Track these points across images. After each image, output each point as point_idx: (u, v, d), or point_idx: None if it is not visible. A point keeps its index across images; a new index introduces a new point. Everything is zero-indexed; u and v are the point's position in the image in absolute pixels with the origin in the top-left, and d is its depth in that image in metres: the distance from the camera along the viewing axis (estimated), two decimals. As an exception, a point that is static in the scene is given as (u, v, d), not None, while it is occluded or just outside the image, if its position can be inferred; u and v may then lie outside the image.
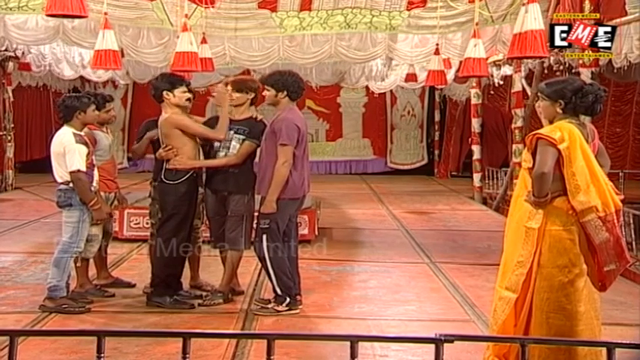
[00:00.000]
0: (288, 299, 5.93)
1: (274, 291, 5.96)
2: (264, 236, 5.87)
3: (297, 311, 5.97)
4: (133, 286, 6.69)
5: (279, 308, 5.92)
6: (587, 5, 8.22)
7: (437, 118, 20.64)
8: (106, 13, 7.32)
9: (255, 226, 6.17)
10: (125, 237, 8.89)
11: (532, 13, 5.90)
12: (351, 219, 11.57)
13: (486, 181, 15.09)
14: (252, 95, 6.23)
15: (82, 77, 16.08)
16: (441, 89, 18.62)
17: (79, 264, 6.22)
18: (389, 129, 20.90)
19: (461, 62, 11.99)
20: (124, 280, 6.82)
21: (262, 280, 7.03)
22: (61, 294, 5.85)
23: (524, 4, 6.00)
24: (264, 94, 6.09)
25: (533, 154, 4.22)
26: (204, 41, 9.00)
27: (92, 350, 4.63)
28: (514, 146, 12.58)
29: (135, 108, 20.32)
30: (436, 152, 20.60)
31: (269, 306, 5.97)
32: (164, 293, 6.06)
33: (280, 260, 5.92)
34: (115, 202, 6.75)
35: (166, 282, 6.10)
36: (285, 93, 5.95)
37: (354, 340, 2.57)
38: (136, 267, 7.67)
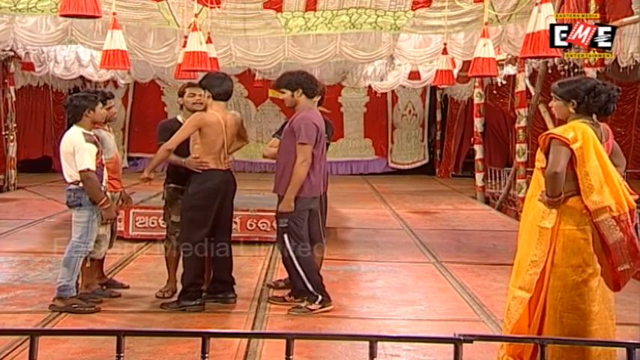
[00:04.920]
0: (320, 297, 5.91)
1: (306, 289, 5.89)
2: (285, 236, 5.86)
3: (331, 308, 5.95)
4: (127, 287, 6.64)
5: (313, 307, 5.89)
6: (592, 5, 8.22)
7: (438, 117, 20.61)
8: (114, 14, 7.33)
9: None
10: (131, 237, 8.88)
11: (545, 12, 5.91)
12: (355, 219, 11.57)
13: (489, 181, 15.11)
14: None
15: (82, 77, 16.05)
16: (443, 89, 18.59)
17: (88, 264, 6.20)
18: (390, 128, 20.84)
19: (464, 62, 12.04)
20: (117, 281, 6.78)
21: (270, 279, 7.05)
22: (71, 294, 5.84)
23: (537, 4, 6.00)
24: (281, 97, 6.09)
25: (547, 154, 4.23)
26: (209, 41, 9.01)
27: (104, 350, 4.74)
28: (517, 146, 12.58)
29: (135, 107, 20.33)
30: (437, 152, 20.59)
31: (302, 305, 5.93)
32: (195, 296, 6.05)
33: (307, 259, 5.91)
34: (120, 202, 6.72)
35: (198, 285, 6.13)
36: (301, 91, 5.93)
37: (373, 340, 2.58)
38: (142, 267, 7.68)
